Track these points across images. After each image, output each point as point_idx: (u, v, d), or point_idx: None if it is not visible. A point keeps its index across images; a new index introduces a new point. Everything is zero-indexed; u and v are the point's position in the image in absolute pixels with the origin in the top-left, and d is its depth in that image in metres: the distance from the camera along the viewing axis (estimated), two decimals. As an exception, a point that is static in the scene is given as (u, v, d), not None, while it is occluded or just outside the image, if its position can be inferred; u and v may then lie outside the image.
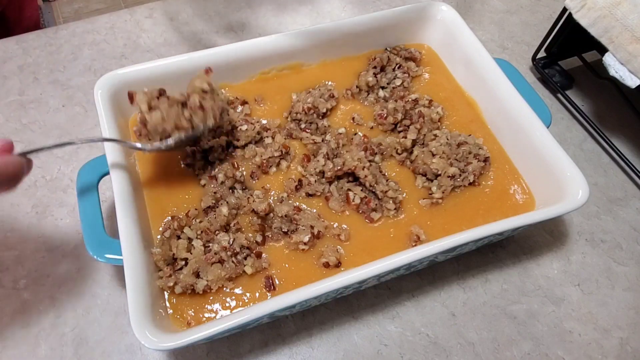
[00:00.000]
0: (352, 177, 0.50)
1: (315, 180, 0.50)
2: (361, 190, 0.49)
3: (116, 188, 0.45)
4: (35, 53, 0.67)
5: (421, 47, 0.61)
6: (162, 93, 0.46)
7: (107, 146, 0.47)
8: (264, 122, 0.54)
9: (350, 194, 0.49)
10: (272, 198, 0.50)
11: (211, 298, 0.44)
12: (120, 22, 0.71)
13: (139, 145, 0.47)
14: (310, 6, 0.75)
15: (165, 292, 0.44)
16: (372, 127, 0.55)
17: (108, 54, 0.68)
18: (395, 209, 0.49)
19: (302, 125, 0.54)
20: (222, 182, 0.49)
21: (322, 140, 0.53)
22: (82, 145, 0.59)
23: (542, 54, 0.67)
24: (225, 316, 0.42)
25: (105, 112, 0.49)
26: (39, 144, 0.59)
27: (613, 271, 0.53)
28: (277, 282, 0.45)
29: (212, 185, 0.49)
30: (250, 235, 0.47)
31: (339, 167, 0.49)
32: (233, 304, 0.44)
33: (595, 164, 0.61)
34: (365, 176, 0.49)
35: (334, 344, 0.48)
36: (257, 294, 0.44)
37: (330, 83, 0.58)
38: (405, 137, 0.53)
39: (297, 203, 0.50)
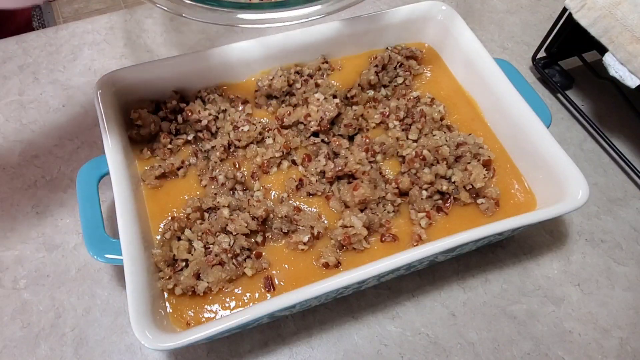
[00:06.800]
0: (353, 178, 0.50)
1: (316, 180, 0.50)
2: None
3: (116, 188, 0.45)
4: (35, 53, 0.67)
5: (422, 47, 0.61)
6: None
7: (107, 146, 0.47)
8: (265, 121, 0.54)
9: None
10: (272, 198, 0.50)
11: (211, 298, 0.44)
12: (120, 22, 0.71)
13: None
14: (310, 6, 0.75)
15: (165, 293, 0.44)
16: (374, 126, 0.55)
17: (108, 54, 0.68)
18: (394, 211, 0.49)
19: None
20: (223, 184, 0.49)
21: (322, 141, 0.53)
22: (82, 145, 0.59)
23: (542, 54, 0.67)
24: (225, 316, 0.42)
25: (105, 112, 0.49)
26: (39, 144, 0.59)
27: (613, 271, 0.53)
28: (277, 283, 0.45)
29: (213, 187, 0.49)
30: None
31: (339, 168, 0.49)
32: (233, 304, 0.44)
33: (595, 164, 0.61)
34: (364, 181, 0.49)
35: (334, 344, 0.48)
36: (257, 295, 0.44)
37: (333, 82, 0.58)
38: (407, 138, 0.53)
39: (298, 203, 0.50)
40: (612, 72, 0.54)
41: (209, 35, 0.70)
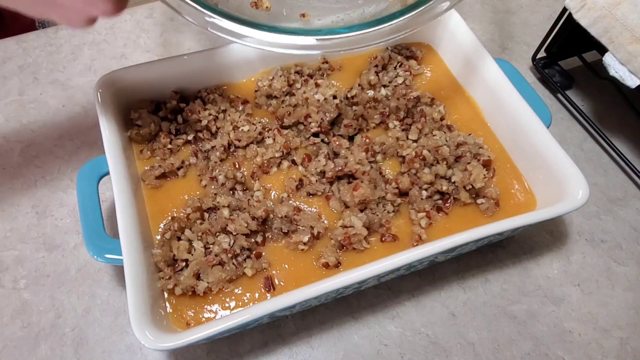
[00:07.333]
0: (353, 178, 0.50)
1: (316, 180, 0.50)
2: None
3: (116, 188, 0.45)
4: (35, 53, 0.67)
5: (422, 47, 0.61)
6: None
7: (107, 146, 0.47)
8: (265, 121, 0.54)
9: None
10: (272, 198, 0.50)
11: (211, 298, 0.44)
12: (120, 22, 0.71)
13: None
14: (310, 6, 0.75)
15: (165, 293, 0.44)
16: (374, 126, 0.55)
17: (108, 54, 0.68)
18: (393, 211, 0.49)
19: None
20: (223, 184, 0.49)
21: (322, 141, 0.53)
22: (82, 145, 0.59)
23: (542, 54, 0.67)
24: (225, 316, 0.42)
25: (105, 112, 0.49)
26: (39, 144, 0.59)
27: (613, 271, 0.53)
28: (277, 283, 0.45)
29: (213, 187, 0.49)
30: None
31: (339, 168, 0.49)
32: (233, 304, 0.44)
33: (595, 164, 0.61)
34: (364, 181, 0.49)
35: (334, 344, 0.48)
36: (257, 295, 0.44)
37: (333, 82, 0.58)
38: (407, 138, 0.53)
39: (298, 203, 0.50)
40: (612, 72, 0.54)
41: (209, 36, 0.70)
